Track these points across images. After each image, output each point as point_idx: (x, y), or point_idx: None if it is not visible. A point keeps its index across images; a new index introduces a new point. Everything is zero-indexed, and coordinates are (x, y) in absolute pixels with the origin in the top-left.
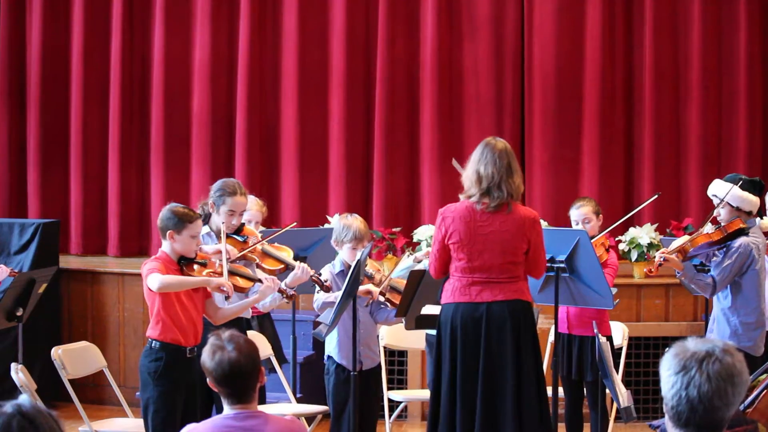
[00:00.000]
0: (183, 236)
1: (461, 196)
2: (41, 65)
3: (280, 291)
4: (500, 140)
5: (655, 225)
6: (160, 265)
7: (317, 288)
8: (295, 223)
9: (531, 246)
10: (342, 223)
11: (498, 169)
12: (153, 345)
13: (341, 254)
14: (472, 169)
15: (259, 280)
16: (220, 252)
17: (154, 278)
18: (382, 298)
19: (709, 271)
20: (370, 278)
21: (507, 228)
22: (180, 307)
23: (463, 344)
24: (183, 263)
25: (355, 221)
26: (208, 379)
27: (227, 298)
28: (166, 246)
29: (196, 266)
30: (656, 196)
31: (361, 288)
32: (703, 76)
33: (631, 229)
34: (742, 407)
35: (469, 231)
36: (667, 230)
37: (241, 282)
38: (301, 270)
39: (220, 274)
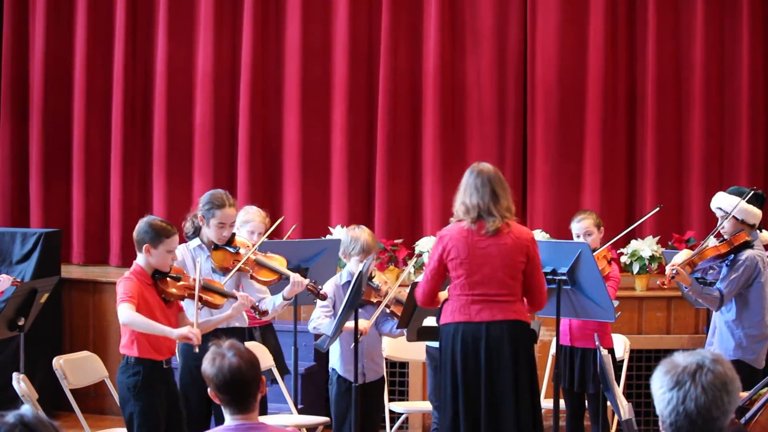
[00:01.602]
0: (159, 251)
1: (452, 221)
2: (44, 74)
3: (253, 308)
4: (484, 166)
5: (657, 237)
6: (135, 285)
7: (318, 303)
8: (294, 226)
9: (529, 265)
10: (350, 236)
11: (482, 197)
12: (129, 361)
13: (349, 266)
14: (460, 200)
15: (233, 296)
16: (248, 246)
17: (123, 310)
18: (387, 311)
19: (706, 284)
20: (377, 290)
21: (505, 242)
22: None
23: (464, 366)
24: (157, 277)
25: (363, 233)
26: (209, 389)
27: (197, 348)
28: (140, 259)
29: (169, 280)
30: (658, 209)
31: (360, 325)
32: (705, 89)
33: (633, 242)
34: (743, 421)
35: (468, 247)
36: (669, 243)
37: (216, 298)
38: (297, 282)
39: (193, 288)
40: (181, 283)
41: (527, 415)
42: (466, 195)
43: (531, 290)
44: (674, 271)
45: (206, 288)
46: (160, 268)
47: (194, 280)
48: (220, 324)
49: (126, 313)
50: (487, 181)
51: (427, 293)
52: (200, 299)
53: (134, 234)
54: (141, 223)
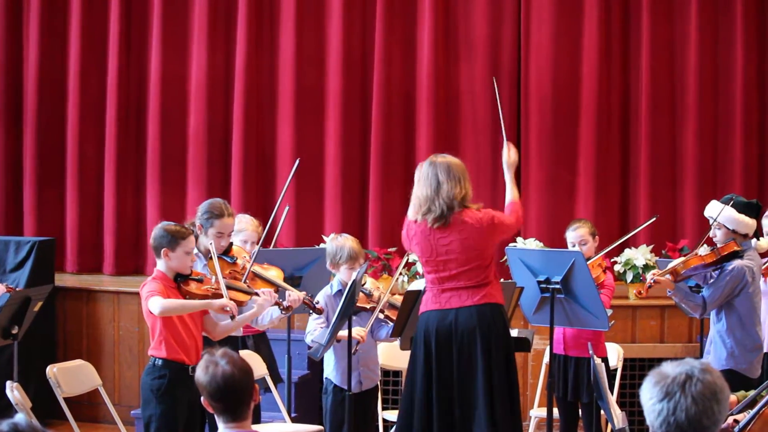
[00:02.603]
0: (177, 253)
1: (409, 216)
2: (38, 84)
3: (276, 303)
4: (436, 157)
5: (651, 246)
6: (160, 285)
7: (312, 316)
8: (288, 208)
9: (498, 239)
10: (334, 245)
11: (429, 187)
12: (156, 363)
13: (339, 275)
14: (413, 195)
15: (256, 294)
16: (244, 256)
17: (155, 302)
18: (381, 316)
19: (699, 292)
20: (369, 296)
21: (467, 236)
22: (182, 325)
23: (437, 351)
24: (180, 280)
25: (347, 241)
26: (202, 397)
27: (232, 317)
28: (161, 265)
29: (193, 283)
30: (654, 219)
31: (355, 333)
32: (699, 97)
33: (627, 251)
34: (736, 430)
35: (430, 246)
36: (663, 252)
37: (239, 296)
38: (294, 298)
39: (218, 290)
40: (204, 284)
41: (504, 401)
42: (416, 188)
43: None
44: (652, 281)
45: (229, 287)
46: (181, 271)
47: (216, 281)
48: (248, 321)
49: (157, 302)
50: (433, 169)
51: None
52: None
53: (151, 241)
54: (156, 230)
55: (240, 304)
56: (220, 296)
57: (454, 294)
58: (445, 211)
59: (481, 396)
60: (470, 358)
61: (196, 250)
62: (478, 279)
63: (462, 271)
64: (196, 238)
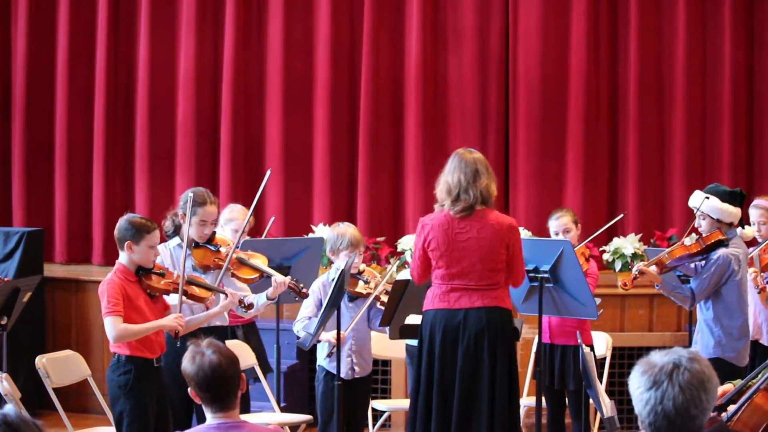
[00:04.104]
0: (141, 247)
1: (436, 207)
2: (26, 74)
3: (239, 302)
4: (471, 151)
5: (639, 235)
6: (117, 291)
7: (303, 304)
8: (273, 219)
9: (509, 252)
10: (336, 232)
11: (465, 174)
12: (120, 359)
13: (337, 262)
14: (443, 180)
15: (223, 292)
16: (228, 244)
17: (111, 328)
18: (378, 304)
19: (689, 282)
20: (367, 283)
21: (484, 235)
22: (142, 322)
23: (442, 351)
24: (141, 274)
25: (349, 228)
26: (189, 388)
27: (176, 334)
28: (123, 257)
29: (154, 277)
30: (621, 216)
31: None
32: (687, 86)
33: (615, 239)
34: (725, 418)
35: (447, 239)
36: (652, 240)
37: (202, 293)
38: (280, 282)
39: (178, 283)
40: (165, 278)
41: (504, 407)
42: (449, 175)
43: (509, 270)
44: (637, 272)
45: (191, 282)
46: (143, 264)
47: (178, 275)
48: (207, 321)
49: (115, 330)
50: (472, 161)
51: (420, 275)
52: (185, 293)
53: (115, 232)
54: (121, 221)
55: (201, 300)
56: (183, 291)
57: (464, 294)
58: (476, 203)
59: (483, 399)
60: (476, 360)
61: (179, 240)
62: (489, 281)
63: (474, 270)
64: (179, 227)
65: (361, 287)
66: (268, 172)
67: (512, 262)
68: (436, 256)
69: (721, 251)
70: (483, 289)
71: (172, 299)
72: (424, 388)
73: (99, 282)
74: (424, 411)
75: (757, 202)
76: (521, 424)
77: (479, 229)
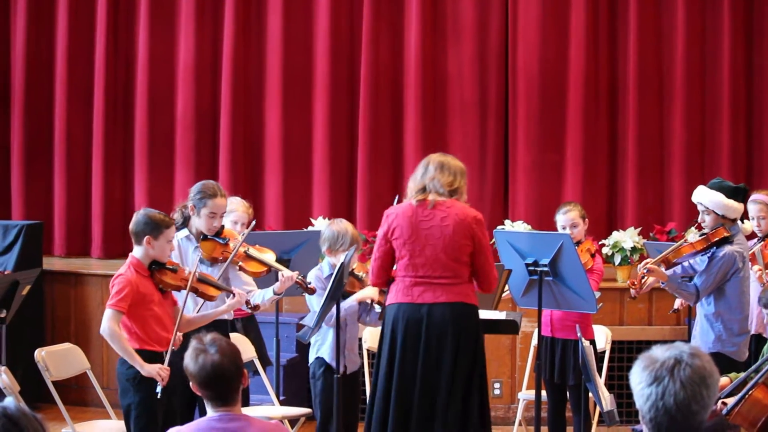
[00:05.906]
0: (160, 242)
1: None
2: (25, 67)
3: (246, 302)
4: (438, 154)
5: (639, 229)
6: (129, 287)
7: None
8: (254, 223)
9: (476, 247)
10: (335, 230)
11: (426, 171)
12: None
13: (331, 258)
14: (410, 182)
15: (231, 291)
16: (236, 238)
17: (107, 321)
18: (369, 300)
19: (692, 278)
20: (360, 281)
21: (448, 223)
22: (152, 318)
23: (403, 346)
24: (154, 268)
25: (349, 227)
26: (191, 383)
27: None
28: (138, 251)
29: (167, 272)
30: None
31: (361, 294)
32: (686, 80)
33: (615, 233)
34: (724, 411)
35: (411, 226)
36: (651, 234)
37: (210, 291)
38: (287, 277)
39: (187, 281)
40: (178, 275)
41: (457, 405)
42: (414, 176)
43: (478, 272)
44: (645, 270)
45: (201, 280)
46: (159, 259)
47: (190, 272)
48: (214, 318)
49: (108, 326)
50: (435, 160)
51: (375, 271)
52: (196, 291)
53: (132, 227)
54: (138, 216)
55: (209, 299)
56: (194, 289)
57: (428, 288)
58: (440, 192)
59: (443, 396)
60: (437, 356)
61: (187, 232)
62: (453, 273)
63: (438, 260)
64: (188, 219)
65: (353, 285)
66: (252, 224)
67: (479, 261)
68: (400, 244)
69: (726, 248)
70: (447, 283)
71: (181, 294)
72: (383, 383)
73: (98, 275)
74: (382, 406)
75: (755, 196)
76: (521, 418)
77: (443, 218)
